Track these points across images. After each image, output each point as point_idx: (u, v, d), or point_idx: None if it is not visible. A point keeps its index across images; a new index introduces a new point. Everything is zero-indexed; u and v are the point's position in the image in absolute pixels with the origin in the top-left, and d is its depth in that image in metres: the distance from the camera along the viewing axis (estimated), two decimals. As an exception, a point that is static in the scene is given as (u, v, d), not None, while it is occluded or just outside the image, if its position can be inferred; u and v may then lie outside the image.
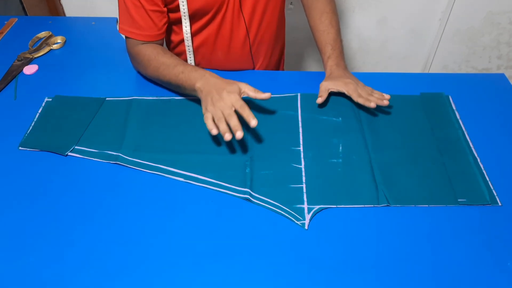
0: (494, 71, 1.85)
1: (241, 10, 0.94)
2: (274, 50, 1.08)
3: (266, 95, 0.80)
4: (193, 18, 0.93)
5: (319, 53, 0.98)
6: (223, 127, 0.74)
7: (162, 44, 0.95)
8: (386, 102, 0.84)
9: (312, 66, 1.86)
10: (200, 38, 0.98)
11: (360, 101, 0.84)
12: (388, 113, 0.87)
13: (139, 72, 0.96)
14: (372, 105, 0.83)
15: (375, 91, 0.88)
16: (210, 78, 0.82)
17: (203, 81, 0.82)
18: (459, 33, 1.70)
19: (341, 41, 0.97)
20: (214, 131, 0.75)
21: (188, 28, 0.94)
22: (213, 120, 0.76)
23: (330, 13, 0.98)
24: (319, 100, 0.86)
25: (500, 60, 1.80)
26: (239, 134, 0.73)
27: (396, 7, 1.62)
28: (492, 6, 1.61)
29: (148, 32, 0.89)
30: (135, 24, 0.88)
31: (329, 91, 0.88)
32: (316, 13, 0.99)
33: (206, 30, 0.96)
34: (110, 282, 0.61)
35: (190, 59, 1.01)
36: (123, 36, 0.94)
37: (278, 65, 1.17)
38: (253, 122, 0.74)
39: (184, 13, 0.91)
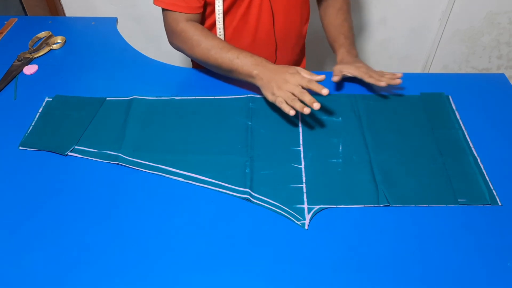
0: (494, 71, 1.84)
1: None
2: (294, 49, 1.09)
3: (321, 77, 0.81)
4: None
5: (331, 45, 1.00)
6: (299, 105, 0.78)
7: (200, 22, 0.94)
8: (398, 81, 0.86)
9: (313, 66, 1.85)
10: (227, 23, 0.97)
11: (371, 81, 0.86)
12: (388, 113, 0.87)
13: (178, 50, 0.94)
14: (383, 84, 0.85)
15: (386, 73, 0.90)
16: (267, 64, 0.84)
17: (260, 68, 0.83)
18: (459, 33, 1.70)
19: (353, 35, 0.99)
20: (292, 112, 0.79)
21: (221, 7, 0.92)
22: (287, 103, 0.79)
23: (345, 12, 1.01)
24: (335, 78, 0.89)
25: (500, 60, 1.80)
26: (317, 105, 0.77)
27: (396, 7, 1.62)
28: (492, 6, 1.61)
29: (191, 4, 0.88)
30: None
31: (343, 73, 0.90)
32: (332, 11, 1.02)
33: (234, 15, 0.95)
34: (110, 282, 0.61)
35: None
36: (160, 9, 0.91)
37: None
38: (324, 91, 0.78)
39: None
